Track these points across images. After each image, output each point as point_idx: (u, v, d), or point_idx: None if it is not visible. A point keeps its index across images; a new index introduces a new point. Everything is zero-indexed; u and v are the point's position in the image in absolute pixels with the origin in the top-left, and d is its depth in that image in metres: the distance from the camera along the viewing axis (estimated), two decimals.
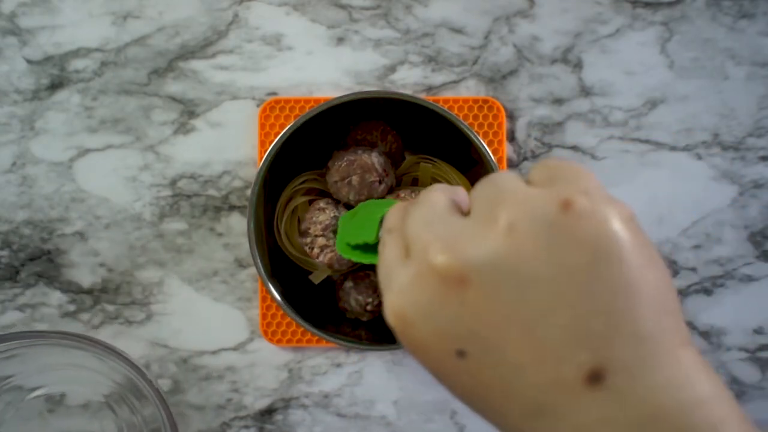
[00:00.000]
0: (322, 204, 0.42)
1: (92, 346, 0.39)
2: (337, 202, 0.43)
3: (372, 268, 0.45)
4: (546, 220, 0.19)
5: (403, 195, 0.41)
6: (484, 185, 0.21)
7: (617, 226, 0.19)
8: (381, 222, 0.31)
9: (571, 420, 0.18)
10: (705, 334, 0.47)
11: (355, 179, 0.41)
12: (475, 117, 0.46)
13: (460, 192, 0.24)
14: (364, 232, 0.32)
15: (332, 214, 0.41)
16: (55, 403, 0.44)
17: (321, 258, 0.41)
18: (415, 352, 0.21)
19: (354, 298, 0.43)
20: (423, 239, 0.21)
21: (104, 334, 0.47)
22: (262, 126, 0.46)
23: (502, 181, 0.21)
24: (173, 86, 0.48)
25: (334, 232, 0.41)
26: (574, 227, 0.19)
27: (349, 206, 0.43)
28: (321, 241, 0.41)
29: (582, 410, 0.18)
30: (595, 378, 0.18)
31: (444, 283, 0.20)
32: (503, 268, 0.19)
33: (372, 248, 0.32)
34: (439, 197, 0.23)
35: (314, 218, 0.42)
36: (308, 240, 0.42)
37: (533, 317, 0.19)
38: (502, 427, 0.21)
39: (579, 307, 0.18)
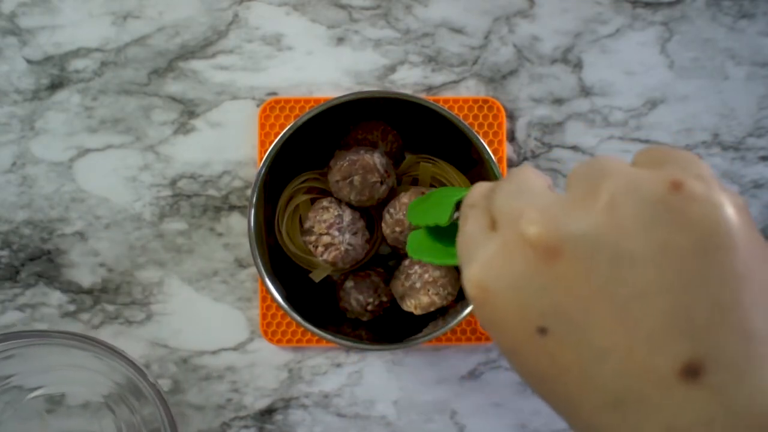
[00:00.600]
0: (325, 203, 0.42)
1: (92, 345, 0.39)
2: (340, 202, 0.43)
3: (373, 266, 0.45)
4: (653, 199, 0.18)
5: (405, 201, 0.41)
6: (583, 165, 0.20)
7: (732, 213, 0.17)
8: (456, 205, 0.30)
9: (658, 416, 0.17)
10: None
11: (356, 179, 0.41)
12: (475, 117, 0.46)
13: (548, 178, 0.23)
14: (437, 214, 0.31)
15: (336, 213, 0.42)
16: (54, 403, 0.44)
17: (325, 256, 0.41)
18: (493, 327, 0.20)
19: (355, 298, 0.43)
20: (514, 209, 0.20)
21: (104, 334, 0.47)
22: (262, 126, 0.46)
23: (604, 160, 0.19)
24: (173, 86, 0.48)
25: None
26: (684, 209, 0.17)
27: (350, 206, 0.43)
28: (325, 239, 0.41)
29: (674, 407, 0.16)
30: (693, 372, 0.16)
31: (535, 253, 0.19)
32: (600, 243, 0.18)
33: (446, 236, 0.31)
34: (531, 173, 0.22)
35: (318, 216, 0.42)
36: (312, 238, 0.42)
37: (627, 299, 0.17)
38: (574, 418, 0.19)
39: (681, 292, 0.17)
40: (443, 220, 0.30)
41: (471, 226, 0.22)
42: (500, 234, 0.20)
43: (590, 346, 0.18)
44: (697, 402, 0.16)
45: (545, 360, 0.19)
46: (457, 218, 0.30)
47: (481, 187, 0.24)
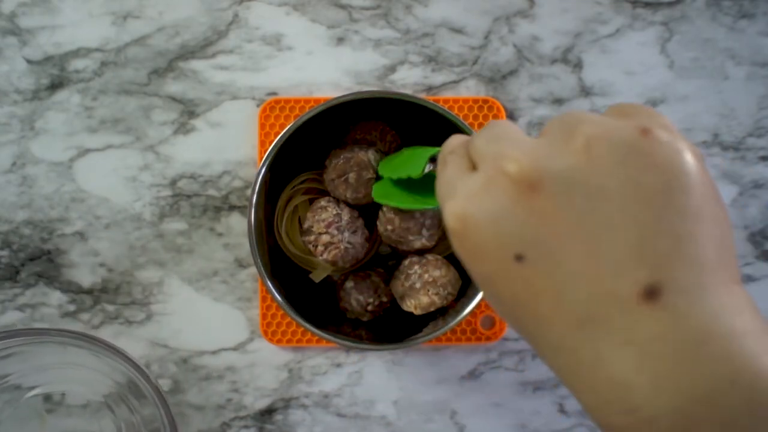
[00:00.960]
0: (323, 202, 0.42)
1: (92, 344, 0.39)
2: (338, 201, 0.43)
3: (373, 266, 0.45)
4: (624, 142, 0.19)
5: None
6: (559, 116, 0.22)
7: (692, 159, 0.20)
8: (430, 159, 0.31)
9: (621, 334, 0.19)
10: None
11: (351, 176, 0.41)
12: (475, 117, 0.46)
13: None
14: (410, 167, 0.32)
15: (334, 212, 0.41)
16: (53, 402, 0.44)
17: (324, 255, 0.41)
18: (471, 256, 0.22)
19: (355, 298, 0.43)
20: (495, 150, 0.21)
21: (104, 334, 0.47)
22: (262, 126, 0.46)
23: (577, 112, 0.21)
24: (173, 86, 0.48)
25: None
26: (651, 152, 0.19)
27: (348, 204, 0.43)
28: (325, 238, 0.41)
29: (634, 325, 0.18)
30: (652, 295, 0.18)
31: (515, 188, 0.20)
32: (577, 180, 0.20)
33: (415, 187, 0.32)
34: (508, 123, 0.23)
35: (317, 216, 0.42)
36: (311, 238, 0.42)
37: (599, 230, 0.19)
38: (543, 339, 0.21)
39: (647, 225, 0.19)
40: (416, 172, 0.31)
41: (451, 169, 0.24)
42: (481, 172, 0.22)
43: (563, 272, 0.20)
44: (653, 320, 0.18)
45: (520, 284, 0.20)
46: (431, 170, 0.31)
47: (458, 138, 0.26)
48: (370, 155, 0.41)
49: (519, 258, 0.20)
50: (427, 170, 0.32)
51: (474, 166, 0.23)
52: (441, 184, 0.24)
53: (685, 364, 0.18)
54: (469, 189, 0.21)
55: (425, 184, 0.32)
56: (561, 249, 0.20)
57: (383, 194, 0.33)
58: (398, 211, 0.40)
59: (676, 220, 0.19)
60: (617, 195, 0.19)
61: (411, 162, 0.33)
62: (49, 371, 0.43)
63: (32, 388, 0.44)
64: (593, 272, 0.19)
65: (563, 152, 0.20)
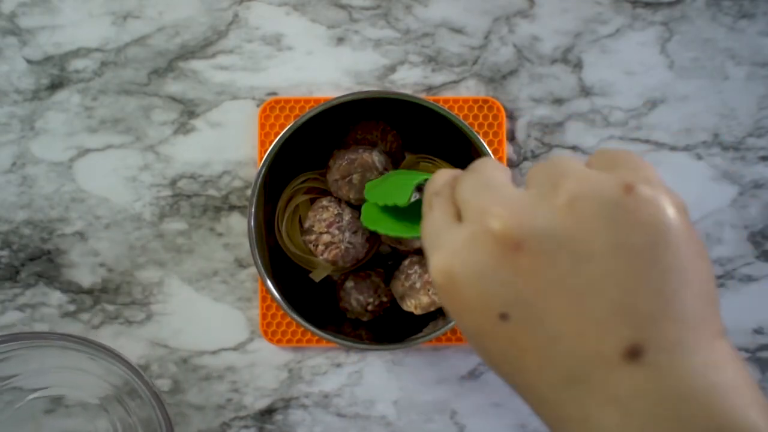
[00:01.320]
0: (325, 202, 0.42)
1: (87, 347, 0.39)
2: (339, 201, 0.43)
3: (373, 266, 0.45)
4: (608, 200, 0.19)
5: None
6: (543, 164, 0.22)
7: (675, 215, 0.20)
8: (416, 188, 0.32)
9: (604, 391, 0.19)
10: None
11: (356, 178, 0.41)
12: (475, 117, 0.46)
13: (509, 171, 0.24)
14: (396, 195, 0.32)
15: (335, 212, 0.42)
16: (50, 405, 0.44)
17: (325, 255, 0.41)
18: (457, 312, 0.22)
19: (355, 298, 0.43)
20: (479, 204, 0.21)
21: (104, 334, 0.47)
22: (262, 126, 0.46)
23: (561, 161, 0.21)
24: (173, 86, 0.48)
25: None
26: (635, 210, 0.19)
27: (350, 204, 0.43)
28: (325, 238, 0.41)
29: (617, 383, 0.19)
30: (635, 354, 0.18)
31: (499, 246, 0.20)
32: (561, 239, 0.20)
33: (402, 214, 0.33)
34: (493, 166, 0.23)
35: (318, 216, 0.42)
36: (312, 237, 0.42)
37: (583, 289, 0.19)
38: (532, 395, 0.21)
39: (630, 285, 0.19)
40: (402, 201, 0.31)
41: (437, 214, 0.23)
42: (466, 226, 0.21)
43: (546, 331, 0.20)
44: (636, 378, 0.18)
45: (506, 343, 0.21)
46: (416, 199, 0.32)
47: (444, 175, 0.25)
48: (375, 157, 0.41)
49: (503, 316, 0.20)
50: (413, 199, 0.32)
51: (459, 214, 0.23)
52: (426, 232, 0.24)
53: (668, 421, 0.18)
54: (453, 243, 0.21)
55: (412, 211, 0.33)
56: (545, 308, 0.20)
57: (371, 220, 0.34)
58: None
59: (660, 279, 0.19)
60: (600, 254, 0.19)
61: (398, 189, 0.33)
62: (46, 375, 0.43)
63: (31, 391, 0.44)
64: (577, 331, 0.19)
65: (547, 209, 0.20)
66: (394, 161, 0.45)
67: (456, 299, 0.21)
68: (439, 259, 0.22)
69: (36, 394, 0.44)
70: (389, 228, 0.32)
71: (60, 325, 0.47)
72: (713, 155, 0.48)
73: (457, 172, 0.25)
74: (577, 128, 0.48)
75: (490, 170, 0.23)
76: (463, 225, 0.22)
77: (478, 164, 0.24)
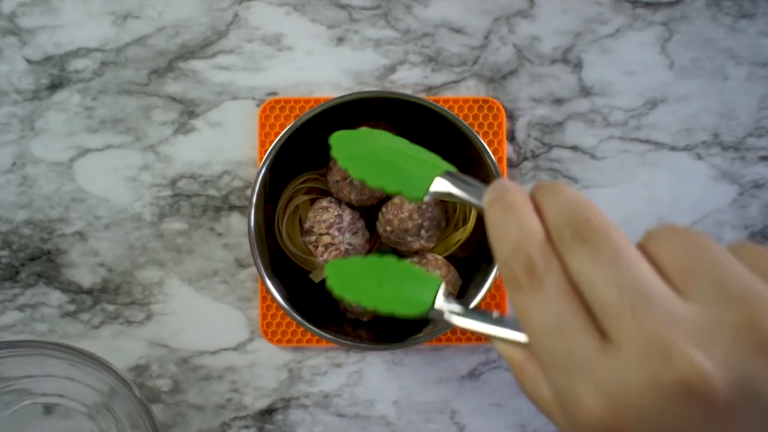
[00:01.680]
0: (325, 203, 0.42)
1: (73, 355, 0.38)
2: (339, 202, 0.43)
3: None
4: None
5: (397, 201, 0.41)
6: (704, 266, 0.16)
7: None
8: (440, 286, 0.24)
9: None
10: None
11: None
12: (475, 117, 0.46)
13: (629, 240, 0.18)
14: (409, 298, 0.24)
15: (336, 213, 0.42)
16: (37, 413, 0.44)
17: (325, 256, 0.41)
18: None
19: None
20: (647, 328, 0.15)
21: (104, 334, 0.47)
22: (262, 126, 0.46)
23: (700, 240, 0.16)
24: (173, 86, 0.48)
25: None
26: None
27: (350, 206, 0.43)
28: (325, 239, 0.41)
29: None
30: None
31: (701, 410, 0.15)
32: None
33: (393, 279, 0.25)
34: (619, 236, 0.17)
35: (318, 217, 0.42)
36: (312, 238, 0.42)
37: None
38: None
39: None
40: (424, 309, 0.22)
41: (557, 308, 0.17)
42: (634, 359, 0.15)
43: None
44: None
45: None
46: (436, 313, 0.23)
47: (530, 229, 0.18)
48: None
49: None
50: (438, 305, 0.23)
51: (596, 322, 0.16)
52: (542, 333, 0.17)
53: None
54: (618, 381, 0.15)
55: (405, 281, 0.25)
56: None
57: (342, 284, 0.26)
58: (397, 213, 0.40)
59: None
60: None
61: (407, 286, 0.24)
62: (32, 383, 0.42)
63: (16, 401, 0.43)
64: None
65: (740, 343, 0.15)
66: None
67: None
68: (598, 399, 0.16)
69: (20, 405, 0.43)
70: (373, 300, 0.24)
71: (60, 325, 0.47)
72: (713, 155, 0.48)
73: (531, 216, 0.18)
74: (577, 128, 0.48)
75: (619, 245, 0.16)
76: (625, 355, 0.15)
77: (587, 225, 0.17)
